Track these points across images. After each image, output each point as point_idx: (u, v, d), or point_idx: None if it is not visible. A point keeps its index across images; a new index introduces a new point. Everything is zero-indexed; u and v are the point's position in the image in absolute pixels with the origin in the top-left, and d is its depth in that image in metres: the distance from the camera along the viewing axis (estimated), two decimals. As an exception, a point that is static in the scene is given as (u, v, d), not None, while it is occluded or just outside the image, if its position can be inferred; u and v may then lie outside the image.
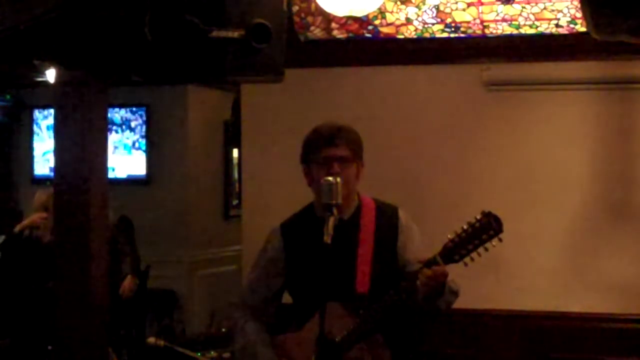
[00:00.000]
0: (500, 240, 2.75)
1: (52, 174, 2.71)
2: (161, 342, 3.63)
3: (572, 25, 4.11)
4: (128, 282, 5.82)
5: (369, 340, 2.87)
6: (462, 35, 4.27)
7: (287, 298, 3.22)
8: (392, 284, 2.88)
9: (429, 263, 2.76)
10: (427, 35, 4.31)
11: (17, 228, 5.48)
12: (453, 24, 4.25)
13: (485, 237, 2.75)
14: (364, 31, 4.38)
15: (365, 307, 2.86)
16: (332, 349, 2.78)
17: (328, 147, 2.94)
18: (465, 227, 2.77)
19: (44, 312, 4.71)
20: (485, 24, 4.21)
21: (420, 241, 3.06)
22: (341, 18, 4.27)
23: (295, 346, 2.97)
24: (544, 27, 4.15)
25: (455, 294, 2.92)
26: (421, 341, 3.12)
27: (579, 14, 4.00)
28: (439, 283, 2.77)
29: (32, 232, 5.33)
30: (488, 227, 2.74)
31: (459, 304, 3.02)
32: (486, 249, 2.76)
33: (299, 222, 3.09)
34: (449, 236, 2.79)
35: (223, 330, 5.60)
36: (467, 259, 2.77)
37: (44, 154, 8.23)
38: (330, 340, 2.76)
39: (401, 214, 3.08)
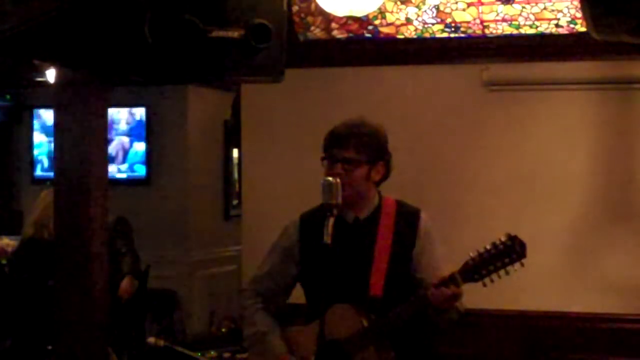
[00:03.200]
0: (522, 265, 2.74)
1: (52, 174, 2.71)
2: (161, 342, 3.63)
3: (572, 25, 4.11)
4: (126, 284, 5.80)
5: (377, 344, 2.86)
6: (462, 35, 4.27)
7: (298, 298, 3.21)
8: (406, 289, 2.87)
9: (449, 281, 2.74)
10: (427, 35, 4.31)
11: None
12: (453, 24, 4.25)
13: (508, 260, 2.73)
14: (364, 31, 4.38)
15: (377, 312, 2.84)
16: (337, 349, 2.77)
17: (335, 148, 2.93)
18: (488, 247, 2.74)
19: (44, 312, 4.71)
20: (485, 24, 4.21)
21: (439, 248, 3.01)
22: (341, 18, 4.27)
23: (300, 340, 2.96)
24: (544, 27, 4.15)
25: (459, 313, 2.90)
26: (428, 348, 3.09)
27: (579, 14, 4.00)
28: (452, 304, 2.77)
29: (38, 232, 5.31)
30: (512, 251, 2.73)
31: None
32: (507, 273, 2.75)
33: (317, 217, 3.05)
34: (470, 254, 2.76)
35: (223, 330, 5.60)
36: (486, 280, 2.76)
37: (40, 154, 8.24)
38: (334, 341, 2.76)
39: (423, 217, 3.03)
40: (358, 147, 2.94)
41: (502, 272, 2.75)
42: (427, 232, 3.01)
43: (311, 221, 3.04)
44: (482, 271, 2.74)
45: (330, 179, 2.68)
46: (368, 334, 2.83)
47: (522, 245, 2.75)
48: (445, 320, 2.86)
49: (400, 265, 2.94)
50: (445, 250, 2.98)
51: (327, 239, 2.58)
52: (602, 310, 4.09)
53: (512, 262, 2.74)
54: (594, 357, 4.06)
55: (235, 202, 8.22)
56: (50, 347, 4.61)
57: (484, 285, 2.76)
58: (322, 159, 2.98)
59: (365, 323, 2.84)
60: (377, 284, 2.89)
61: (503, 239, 2.75)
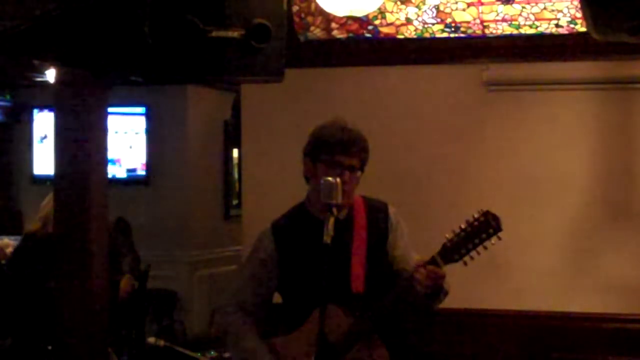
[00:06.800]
0: (499, 238, 2.75)
1: (52, 174, 2.71)
2: (161, 342, 3.63)
3: (572, 25, 4.11)
4: (125, 283, 5.80)
5: (367, 341, 2.87)
6: (462, 35, 4.27)
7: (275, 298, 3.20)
8: (385, 282, 2.90)
9: (429, 264, 2.76)
10: (427, 35, 4.31)
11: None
12: (453, 24, 4.25)
13: (485, 236, 2.75)
14: (364, 31, 4.38)
15: (362, 308, 2.86)
16: (329, 350, 2.77)
17: (343, 155, 2.91)
18: (463, 226, 2.77)
19: (44, 312, 4.71)
20: (485, 24, 4.21)
21: (408, 237, 3.08)
22: (341, 18, 4.27)
23: (289, 349, 2.94)
24: (544, 27, 4.15)
25: (446, 293, 2.92)
26: (416, 339, 3.12)
27: (579, 14, 4.00)
28: (437, 284, 2.78)
29: (45, 228, 5.30)
30: (487, 225, 2.75)
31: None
32: (485, 248, 2.76)
33: (291, 222, 3.07)
34: (447, 236, 2.78)
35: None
36: (466, 258, 2.77)
37: (39, 154, 8.23)
38: (327, 342, 2.75)
39: (391, 210, 3.07)
40: (361, 156, 2.96)
41: (480, 248, 2.76)
42: (398, 224, 3.06)
43: (285, 227, 3.05)
44: (461, 250, 2.76)
45: (330, 179, 2.68)
46: (354, 331, 2.83)
47: (497, 219, 2.76)
48: (434, 303, 2.88)
49: (378, 260, 2.97)
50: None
51: (327, 238, 2.59)
52: (602, 310, 4.09)
53: (489, 237, 2.75)
54: (594, 357, 4.06)
55: (235, 202, 8.23)
56: (50, 347, 4.61)
57: (465, 264, 2.76)
58: (321, 161, 2.95)
59: (349, 321, 2.84)
60: (358, 280, 2.91)
61: (476, 215, 2.77)
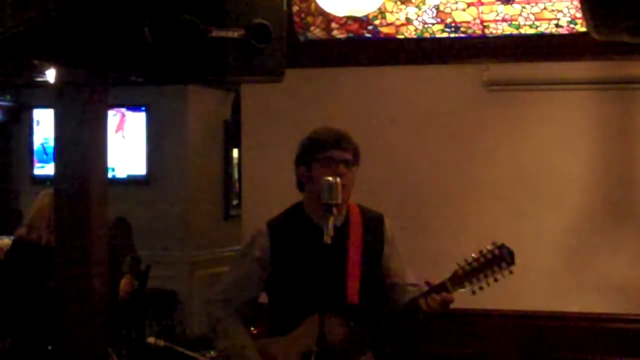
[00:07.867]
0: (511, 272, 2.76)
1: (51, 173, 2.71)
2: (161, 342, 3.62)
3: (572, 25, 4.11)
4: (125, 283, 5.80)
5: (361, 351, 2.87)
6: (462, 35, 4.27)
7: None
8: (378, 293, 2.93)
9: (439, 288, 2.77)
10: (427, 35, 4.31)
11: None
12: (453, 24, 4.25)
13: (497, 268, 2.77)
14: (364, 31, 4.38)
15: (356, 319, 2.86)
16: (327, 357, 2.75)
17: (336, 149, 2.92)
18: (476, 256, 2.78)
19: (44, 312, 4.71)
20: (485, 24, 4.22)
21: (402, 250, 3.08)
22: (341, 18, 4.28)
23: (279, 353, 2.91)
24: (544, 27, 4.16)
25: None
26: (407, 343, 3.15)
27: (579, 14, 4.00)
28: (444, 309, 2.80)
29: (30, 234, 5.28)
30: (500, 259, 2.76)
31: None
32: (496, 280, 2.77)
33: (288, 222, 3.05)
34: (458, 263, 2.80)
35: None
36: (476, 288, 2.78)
37: (39, 154, 8.23)
38: (327, 347, 2.74)
39: (387, 222, 3.07)
40: (354, 150, 2.97)
41: (491, 280, 2.78)
42: (393, 237, 3.06)
43: (281, 227, 3.04)
44: (472, 279, 2.78)
45: (330, 178, 2.68)
46: (352, 340, 2.83)
47: (511, 254, 2.78)
48: (432, 322, 2.90)
49: (372, 271, 2.98)
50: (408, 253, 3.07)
51: (327, 239, 2.58)
52: (601, 310, 4.09)
53: (501, 270, 2.77)
54: (594, 357, 4.06)
55: (235, 202, 8.23)
56: (50, 347, 4.61)
57: (473, 293, 2.78)
58: (316, 160, 2.94)
59: (344, 330, 2.83)
60: (353, 291, 2.90)
61: (490, 247, 2.79)
